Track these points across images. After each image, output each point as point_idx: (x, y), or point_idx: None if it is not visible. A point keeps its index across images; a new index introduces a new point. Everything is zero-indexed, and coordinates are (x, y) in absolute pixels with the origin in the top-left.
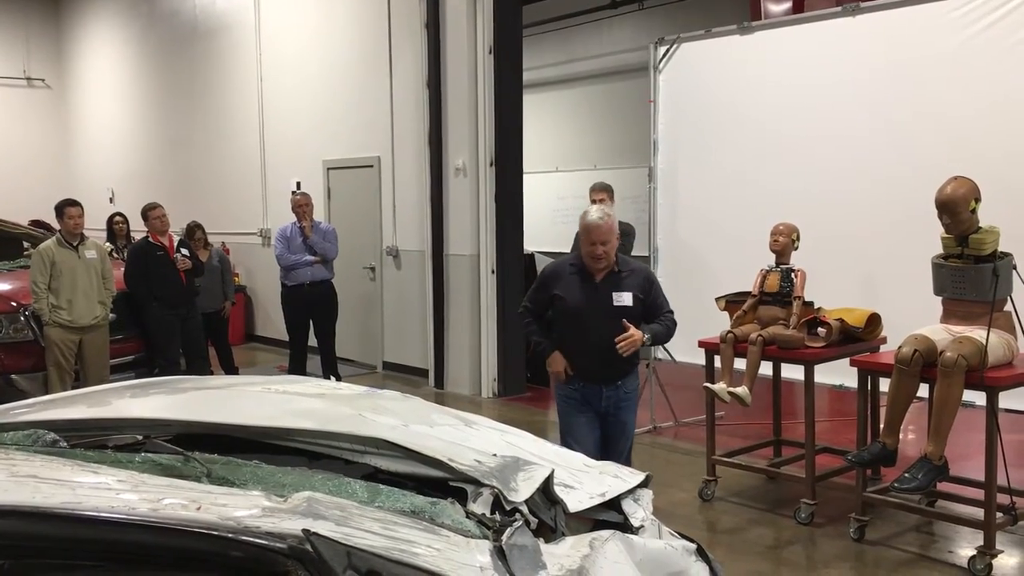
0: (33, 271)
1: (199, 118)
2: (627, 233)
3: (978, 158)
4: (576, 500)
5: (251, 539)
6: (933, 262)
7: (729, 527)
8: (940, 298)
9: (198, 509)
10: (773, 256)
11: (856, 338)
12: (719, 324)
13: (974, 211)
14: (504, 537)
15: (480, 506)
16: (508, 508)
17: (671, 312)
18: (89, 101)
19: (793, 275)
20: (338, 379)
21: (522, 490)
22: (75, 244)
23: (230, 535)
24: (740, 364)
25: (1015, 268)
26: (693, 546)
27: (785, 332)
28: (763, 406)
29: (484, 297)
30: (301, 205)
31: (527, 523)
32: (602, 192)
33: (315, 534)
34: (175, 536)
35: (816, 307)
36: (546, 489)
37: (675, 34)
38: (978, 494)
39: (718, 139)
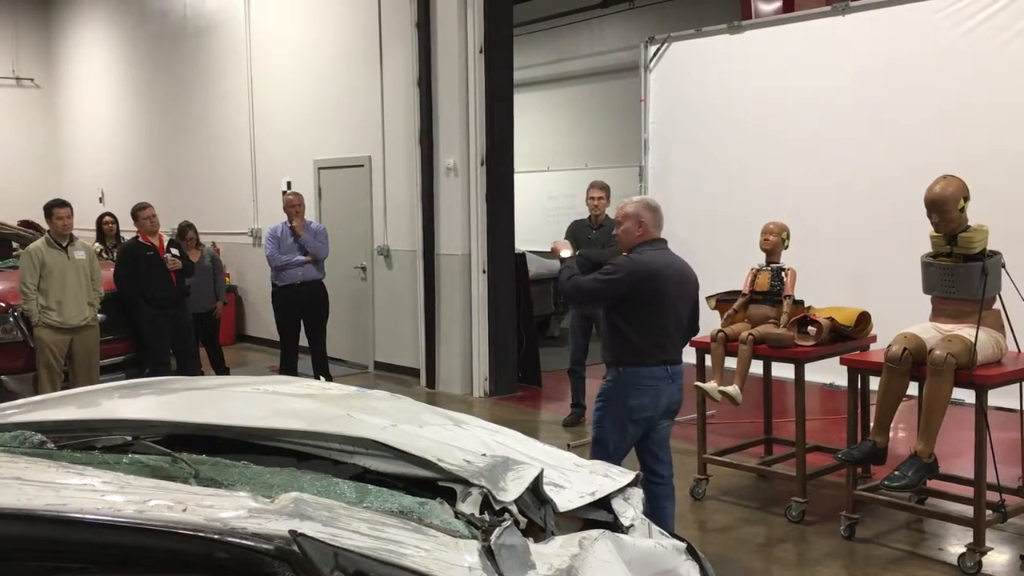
0: (22, 272)
1: (189, 118)
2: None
3: (967, 157)
4: (566, 499)
5: (237, 540)
6: (922, 260)
7: (720, 525)
8: (929, 296)
9: (184, 510)
10: (763, 255)
11: (846, 337)
12: (710, 323)
13: (963, 210)
14: (493, 537)
15: (469, 506)
16: (497, 508)
17: (592, 278)
18: (79, 101)
19: (783, 274)
20: (329, 379)
21: (511, 490)
22: (64, 245)
23: (216, 536)
24: (731, 363)
25: (1004, 266)
26: (683, 545)
27: (775, 331)
28: (754, 405)
29: (475, 297)
30: (293, 205)
31: (516, 523)
32: (600, 190)
33: (302, 535)
34: (161, 538)
35: (806, 306)
36: (536, 489)
37: (665, 33)
38: (968, 492)
39: (709, 138)
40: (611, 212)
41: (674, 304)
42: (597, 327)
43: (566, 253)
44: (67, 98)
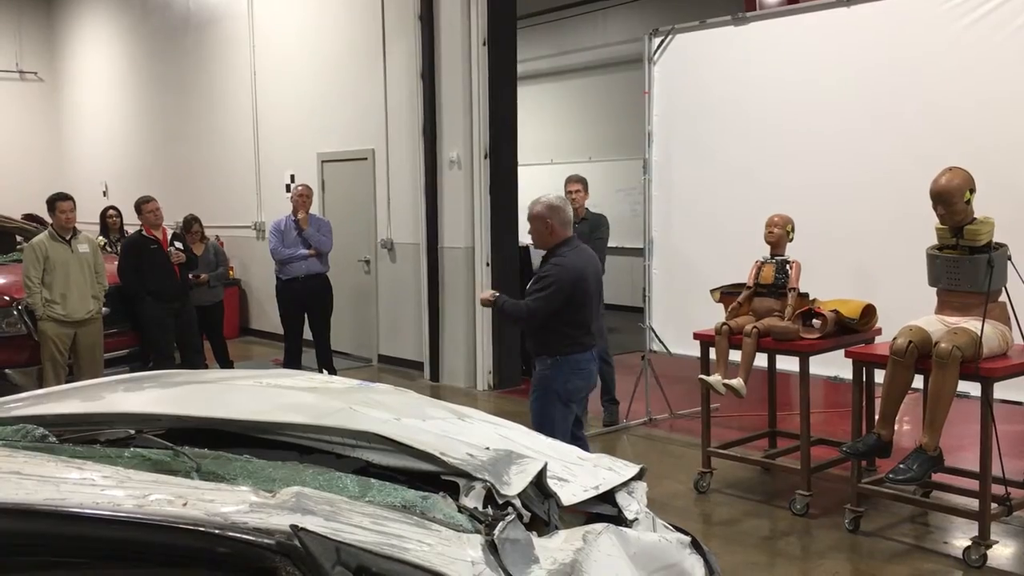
0: (26, 265)
1: (193, 111)
2: (599, 225)
3: (973, 149)
4: (570, 493)
5: (238, 535)
6: (928, 253)
7: (724, 519)
8: (935, 289)
9: (184, 505)
10: (768, 248)
11: (851, 329)
12: (714, 316)
13: (969, 202)
14: (496, 531)
15: (472, 500)
16: (501, 502)
17: (531, 300)
18: (82, 94)
19: (788, 266)
20: (332, 372)
21: (515, 483)
22: (68, 238)
23: (217, 531)
24: (735, 356)
25: (1010, 259)
26: (687, 539)
27: (780, 324)
28: (758, 398)
29: (479, 290)
30: (304, 196)
31: (520, 517)
32: (577, 184)
33: (303, 529)
34: (161, 532)
35: (811, 298)
36: (539, 482)
37: (669, 25)
38: (973, 485)
39: (713, 131)
40: (590, 204)
41: (594, 295)
42: None
43: (488, 296)
44: (70, 92)
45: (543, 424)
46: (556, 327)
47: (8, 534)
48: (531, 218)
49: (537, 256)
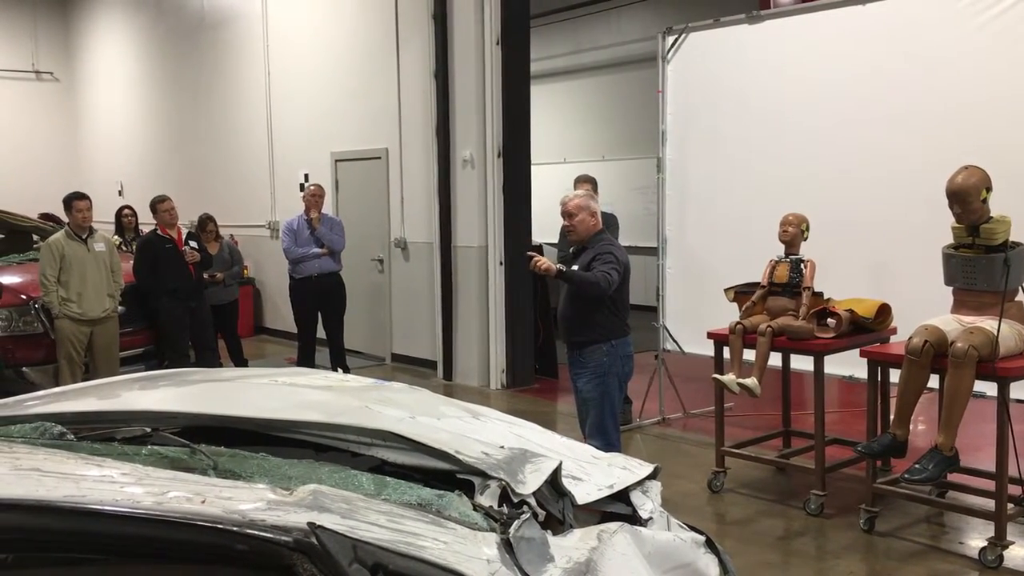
0: (42, 264)
1: (207, 110)
2: (609, 224)
3: (989, 147)
4: (584, 492)
5: (256, 532)
6: (944, 252)
7: (738, 518)
8: (951, 288)
9: (203, 502)
10: (782, 247)
11: (866, 329)
12: (728, 315)
13: (985, 200)
14: (512, 530)
15: (487, 498)
16: (516, 500)
17: (607, 269)
18: (98, 94)
19: (803, 266)
20: (346, 371)
21: (530, 482)
22: (84, 237)
23: (235, 528)
24: (749, 355)
25: None
26: (702, 538)
27: (795, 323)
28: (772, 397)
29: (492, 289)
30: (316, 195)
31: (535, 515)
32: (586, 183)
33: (320, 527)
34: (179, 529)
35: (826, 298)
36: (554, 481)
37: (683, 24)
38: (989, 485)
39: (727, 129)
40: (600, 203)
41: None
42: None
43: (547, 265)
44: (86, 91)
45: (602, 422)
46: (614, 309)
47: (29, 530)
48: (575, 208)
49: (551, 255)
